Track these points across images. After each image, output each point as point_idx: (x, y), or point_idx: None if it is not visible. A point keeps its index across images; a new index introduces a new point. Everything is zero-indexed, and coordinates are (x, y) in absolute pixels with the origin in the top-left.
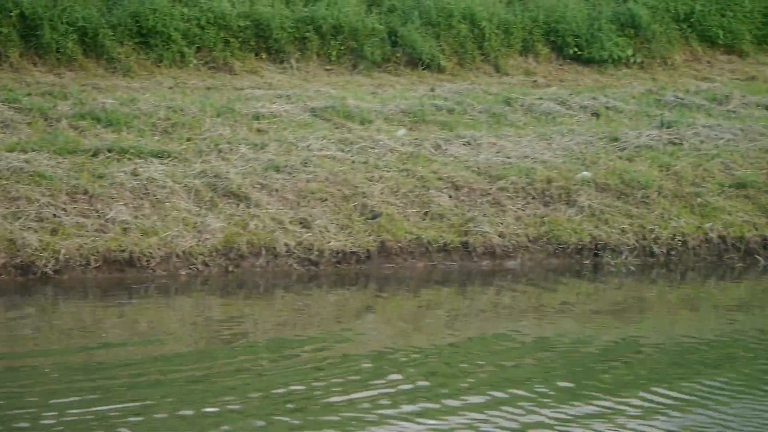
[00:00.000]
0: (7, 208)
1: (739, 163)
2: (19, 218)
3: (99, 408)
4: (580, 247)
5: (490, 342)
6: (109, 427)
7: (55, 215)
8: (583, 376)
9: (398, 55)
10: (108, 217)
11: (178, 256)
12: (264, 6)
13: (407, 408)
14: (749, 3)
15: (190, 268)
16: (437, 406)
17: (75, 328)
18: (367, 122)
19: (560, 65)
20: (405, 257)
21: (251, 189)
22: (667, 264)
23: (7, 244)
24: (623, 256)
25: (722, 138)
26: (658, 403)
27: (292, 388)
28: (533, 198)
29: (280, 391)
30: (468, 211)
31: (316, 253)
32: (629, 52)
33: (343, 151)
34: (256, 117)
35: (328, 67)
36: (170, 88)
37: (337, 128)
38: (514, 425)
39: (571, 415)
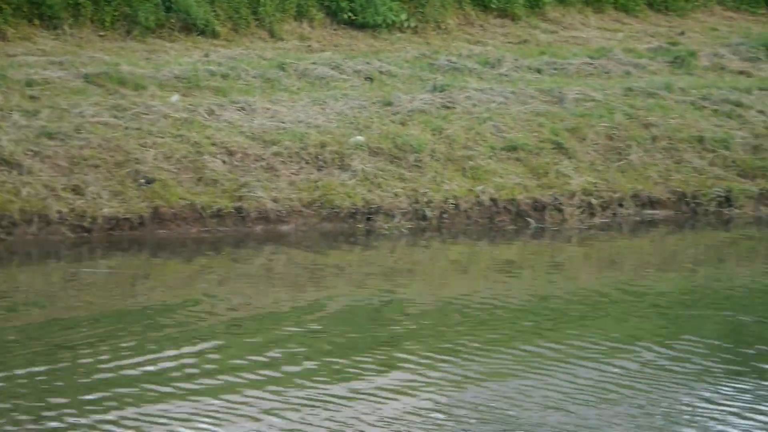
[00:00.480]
0: None
1: (510, 126)
2: None
3: None
4: (353, 211)
5: (259, 309)
6: None
7: None
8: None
9: (173, 20)
10: None
11: None
12: None
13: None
14: None
15: None
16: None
17: None
18: (141, 88)
19: (335, 30)
20: (178, 223)
21: (23, 156)
22: (440, 227)
23: None
24: (396, 220)
25: (494, 101)
26: (414, 361)
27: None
28: (307, 163)
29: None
30: (242, 177)
31: (89, 220)
32: (403, 16)
33: (116, 117)
34: (29, 83)
35: (101, 33)
36: None
37: (110, 94)
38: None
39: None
